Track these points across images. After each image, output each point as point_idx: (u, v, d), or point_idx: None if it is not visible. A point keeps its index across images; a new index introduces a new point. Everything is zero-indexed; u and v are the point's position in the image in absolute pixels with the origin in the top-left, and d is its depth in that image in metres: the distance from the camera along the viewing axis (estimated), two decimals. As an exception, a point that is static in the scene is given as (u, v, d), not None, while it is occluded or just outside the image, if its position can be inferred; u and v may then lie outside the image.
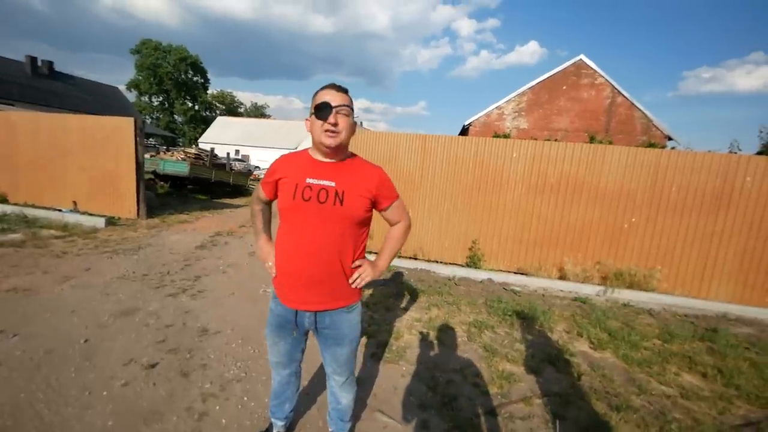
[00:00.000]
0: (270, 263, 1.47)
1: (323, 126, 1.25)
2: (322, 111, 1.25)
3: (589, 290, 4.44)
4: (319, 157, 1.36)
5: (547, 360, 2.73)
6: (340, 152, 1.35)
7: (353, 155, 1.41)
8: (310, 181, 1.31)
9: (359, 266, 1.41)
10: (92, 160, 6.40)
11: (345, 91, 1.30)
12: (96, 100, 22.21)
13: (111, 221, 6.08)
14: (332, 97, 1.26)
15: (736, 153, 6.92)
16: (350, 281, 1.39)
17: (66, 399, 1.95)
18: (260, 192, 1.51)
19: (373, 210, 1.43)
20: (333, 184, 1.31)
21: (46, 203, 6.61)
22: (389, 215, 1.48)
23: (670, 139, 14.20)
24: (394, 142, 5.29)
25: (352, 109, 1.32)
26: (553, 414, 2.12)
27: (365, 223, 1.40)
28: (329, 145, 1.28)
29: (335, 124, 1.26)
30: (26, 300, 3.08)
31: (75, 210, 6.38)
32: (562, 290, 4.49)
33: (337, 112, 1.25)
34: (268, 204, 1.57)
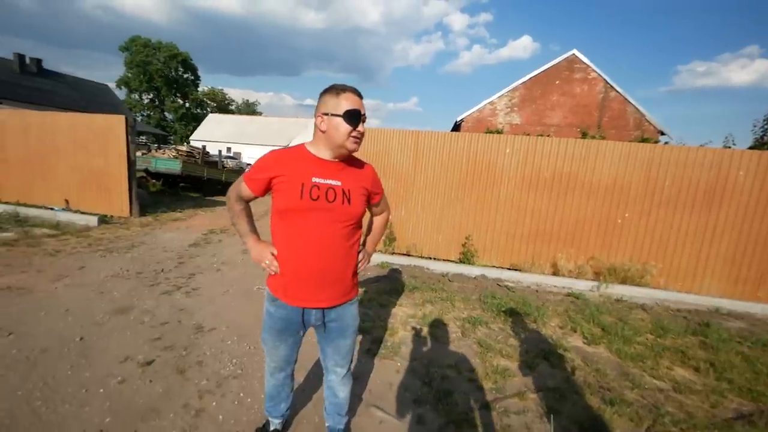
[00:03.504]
0: (267, 261, 1.38)
1: (352, 133, 1.28)
2: (353, 118, 1.27)
3: (582, 285, 4.48)
4: (324, 155, 1.34)
5: (541, 355, 2.76)
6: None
7: None
8: (316, 180, 1.31)
9: (359, 251, 1.51)
10: (83, 158, 6.32)
11: (362, 96, 1.34)
12: (85, 97, 21.86)
13: (104, 220, 6.02)
14: (359, 105, 1.30)
15: (730, 147, 7.00)
16: (357, 263, 1.49)
17: (63, 397, 1.95)
18: (244, 189, 1.39)
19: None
20: (339, 183, 1.34)
21: (37, 202, 6.53)
22: (377, 209, 1.62)
23: (662, 134, 14.31)
24: (387, 139, 5.28)
25: None
26: (548, 409, 2.14)
27: (362, 218, 1.45)
28: (353, 151, 1.34)
29: (363, 133, 1.32)
30: (20, 299, 3.05)
31: (67, 208, 6.31)
32: (555, 286, 4.53)
33: (362, 121, 1.31)
34: (249, 202, 1.48)
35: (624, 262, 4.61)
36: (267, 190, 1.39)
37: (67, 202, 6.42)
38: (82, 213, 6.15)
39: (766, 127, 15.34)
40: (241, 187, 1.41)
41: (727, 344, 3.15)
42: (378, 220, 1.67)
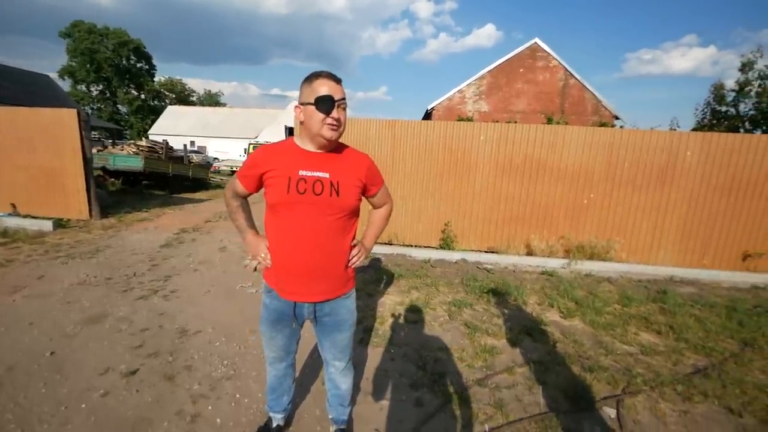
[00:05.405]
0: (262, 255, 1.41)
1: (325, 120, 1.23)
2: (324, 104, 1.22)
3: (554, 264, 4.75)
4: (309, 147, 1.32)
5: (524, 331, 2.92)
6: (335, 143, 1.34)
7: (340, 143, 1.40)
8: (303, 173, 1.28)
9: (354, 245, 1.45)
10: (30, 157, 5.76)
11: (341, 81, 1.27)
12: (23, 89, 19.70)
13: (60, 224, 5.56)
14: (334, 90, 1.23)
15: (676, 130, 7.58)
16: (348, 260, 1.42)
17: (39, 416, 1.82)
18: (238, 186, 1.41)
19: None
20: (327, 175, 1.30)
21: (-23, 208, 5.90)
22: (376, 200, 1.55)
23: (617, 118, 15.22)
24: (365, 128, 5.24)
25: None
26: (535, 380, 2.29)
27: (357, 211, 1.42)
28: (330, 139, 1.26)
29: (338, 119, 1.24)
30: (-28, 316, 2.78)
31: (15, 213, 5.75)
32: (530, 265, 4.77)
33: (338, 106, 1.24)
34: (246, 198, 1.50)
35: (591, 240, 4.93)
36: (259, 186, 1.38)
37: (13, 206, 5.85)
38: (34, 218, 5.64)
39: (706, 110, 16.76)
40: (235, 183, 1.42)
41: (682, 308, 3.49)
42: (377, 213, 1.60)
